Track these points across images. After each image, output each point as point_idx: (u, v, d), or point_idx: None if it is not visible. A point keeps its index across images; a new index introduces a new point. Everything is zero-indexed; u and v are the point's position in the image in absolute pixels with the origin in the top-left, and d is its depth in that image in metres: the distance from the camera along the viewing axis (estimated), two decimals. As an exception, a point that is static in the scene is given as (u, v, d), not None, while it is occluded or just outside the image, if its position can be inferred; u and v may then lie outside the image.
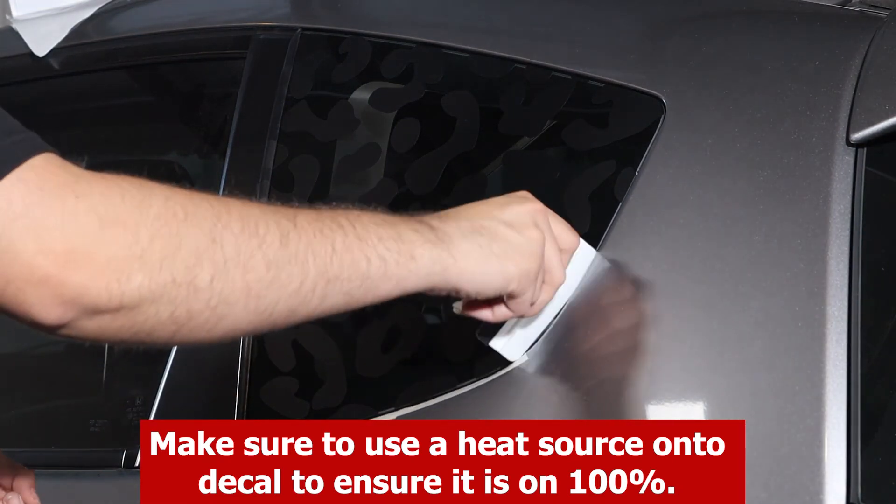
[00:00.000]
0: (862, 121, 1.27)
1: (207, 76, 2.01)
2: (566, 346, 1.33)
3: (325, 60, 1.71)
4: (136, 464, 1.60)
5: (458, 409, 1.39)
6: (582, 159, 1.53)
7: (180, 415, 1.64)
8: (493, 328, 1.29)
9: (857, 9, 1.49)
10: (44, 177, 0.90)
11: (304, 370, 1.56)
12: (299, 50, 1.71)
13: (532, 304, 1.19)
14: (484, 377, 1.38)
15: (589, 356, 1.32)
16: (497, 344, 1.31)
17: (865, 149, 1.28)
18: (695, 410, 1.25)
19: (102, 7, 2.03)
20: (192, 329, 0.94)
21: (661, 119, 1.38)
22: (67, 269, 0.88)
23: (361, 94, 1.69)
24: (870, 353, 1.22)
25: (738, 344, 1.25)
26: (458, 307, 1.23)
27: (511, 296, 1.16)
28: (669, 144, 1.37)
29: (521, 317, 1.25)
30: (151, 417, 1.64)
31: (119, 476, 1.61)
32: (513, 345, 1.31)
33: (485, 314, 1.21)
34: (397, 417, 1.43)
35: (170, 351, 1.64)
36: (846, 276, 1.22)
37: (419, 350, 1.50)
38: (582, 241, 1.28)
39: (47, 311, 0.89)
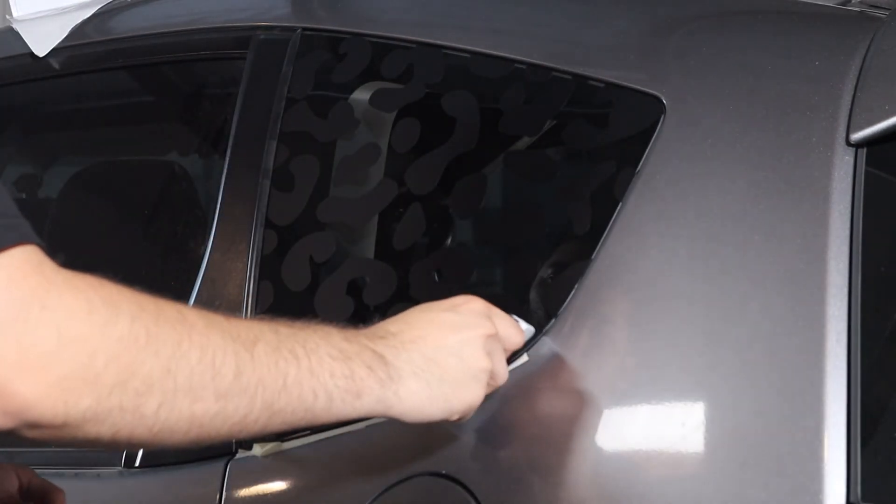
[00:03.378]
0: (862, 121, 1.27)
1: (207, 76, 2.01)
2: (566, 345, 1.33)
3: (325, 60, 1.71)
4: (137, 464, 1.60)
5: (458, 409, 1.39)
6: (582, 159, 1.53)
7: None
8: None
9: (857, 9, 1.49)
10: (15, 277, 0.86)
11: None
12: (299, 50, 1.71)
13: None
14: (484, 377, 1.38)
15: (589, 356, 1.32)
16: None
17: (865, 149, 1.28)
18: (694, 410, 1.25)
19: (102, 7, 2.03)
20: (132, 445, 0.94)
21: (661, 119, 1.38)
22: (16, 381, 0.85)
23: (361, 94, 1.69)
24: (870, 353, 1.22)
25: (738, 344, 1.25)
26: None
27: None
28: (669, 144, 1.36)
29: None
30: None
31: (119, 476, 1.61)
32: None
33: None
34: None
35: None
36: (846, 276, 1.22)
37: (419, 350, 1.50)
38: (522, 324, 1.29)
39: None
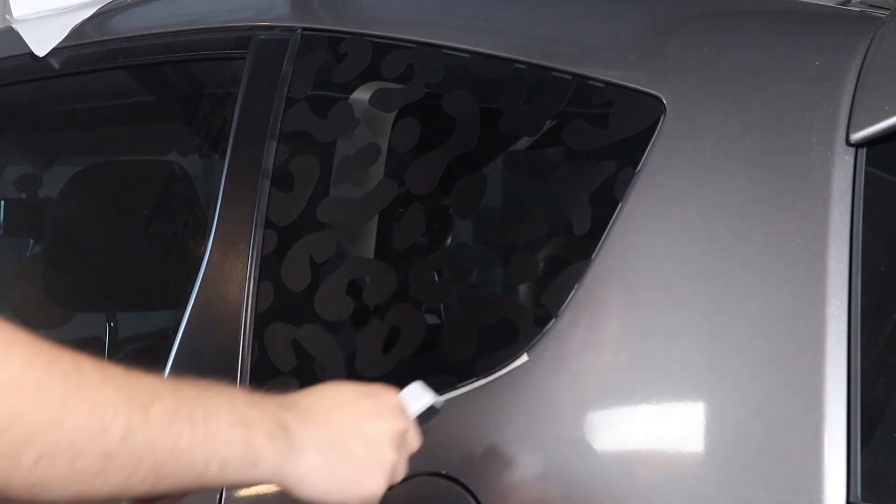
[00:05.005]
0: (862, 121, 1.28)
1: (207, 76, 2.01)
2: (566, 345, 1.33)
3: (325, 60, 1.71)
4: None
5: (458, 409, 1.39)
6: (582, 159, 1.53)
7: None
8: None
9: (857, 9, 1.49)
10: None
11: (304, 370, 1.56)
12: (299, 50, 1.71)
13: None
14: (484, 377, 1.38)
15: (588, 356, 1.32)
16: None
17: (865, 149, 1.28)
18: (694, 410, 1.25)
19: (102, 7, 2.03)
20: (4, 496, 0.90)
21: (661, 119, 1.38)
22: None
23: (361, 94, 1.69)
24: (870, 353, 1.22)
25: (738, 344, 1.25)
26: None
27: None
28: (669, 144, 1.37)
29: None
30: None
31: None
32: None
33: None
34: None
35: (170, 351, 1.64)
36: (846, 276, 1.22)
37: (419, 350, 1.50)
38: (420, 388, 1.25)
39: None
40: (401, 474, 1.15)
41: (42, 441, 0.88)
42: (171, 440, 0.96)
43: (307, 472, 1.06)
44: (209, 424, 0.99)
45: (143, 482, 0.95)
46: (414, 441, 1.17)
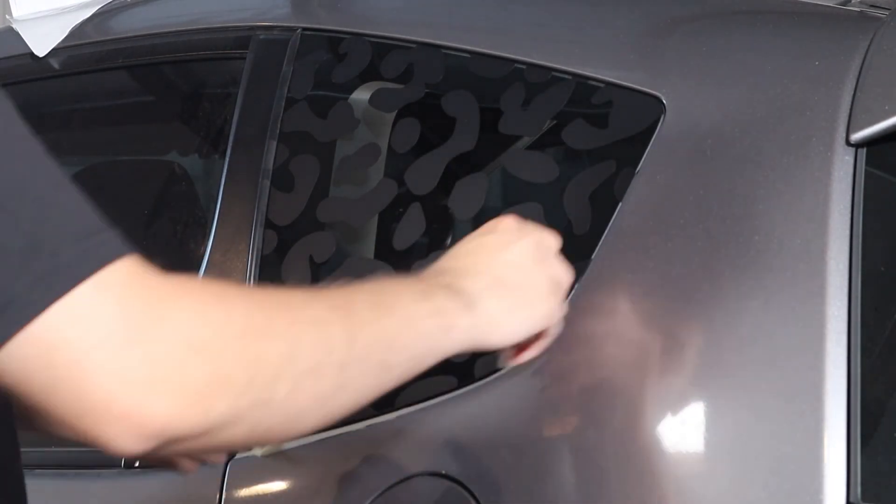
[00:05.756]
0: (862, 121, 1.28)
1: (207, 76, 2.01)
2: (566, 346, 1.33)
3: (325, 60, 1.71)
4: (137, 464, 1.60)
5: (458, 409, 1.39)
6: (582, 159, 1.53)
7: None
8: None
9: (857, 9, 1.49)
10: (126, 295, 0.82)
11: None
12: (299, 50, 1.71)
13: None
14: (484, 377, 1.38)
15: (588, 356, 1.32)
16: None
17: (865, 149, 1.28)
18: (694, 410, 1.25)
19: (102, 7, 2.03)
20: (266, 439, 0.93)
21: (661, 119, 1.38)
22: (152, 401, 0.82)
23: (361, 94, 1.69)
24: (870, 353, 1.22)
25: (738, 344, 1.25)
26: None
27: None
28: (669, 144, 1.37)
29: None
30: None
31: (119, 476, 1.61)
32: None
33: (524, 356, 1.17)
34: (397, 417, 1.43)
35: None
36: (846, 276, 1.22)
37: (419, 350, 1.50)
38: None
39: (127, 444, 0.82)
40: (566, 275, 1.15)
41: (287, 375, 0.89)
42: (384, 332, 0.98)
43: (491, 320, 1.07)
44: (405, 308, 1.01)
45: (376, 383, 0.98)
46: (550, 240, 1.16)
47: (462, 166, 1.54)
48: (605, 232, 1.36)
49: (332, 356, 0.93)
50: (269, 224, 1.62)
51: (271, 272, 1.60)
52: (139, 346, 0.81)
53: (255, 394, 0.87)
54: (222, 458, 1.13)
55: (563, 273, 1.15)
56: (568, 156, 1.57)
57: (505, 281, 1.10)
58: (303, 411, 0.92)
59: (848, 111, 1.29)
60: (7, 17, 2.12)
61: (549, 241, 1.15)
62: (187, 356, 0.83)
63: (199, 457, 1.08)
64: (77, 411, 0.81)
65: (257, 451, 1.50)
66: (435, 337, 1.03)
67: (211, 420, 0.85)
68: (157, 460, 1.02)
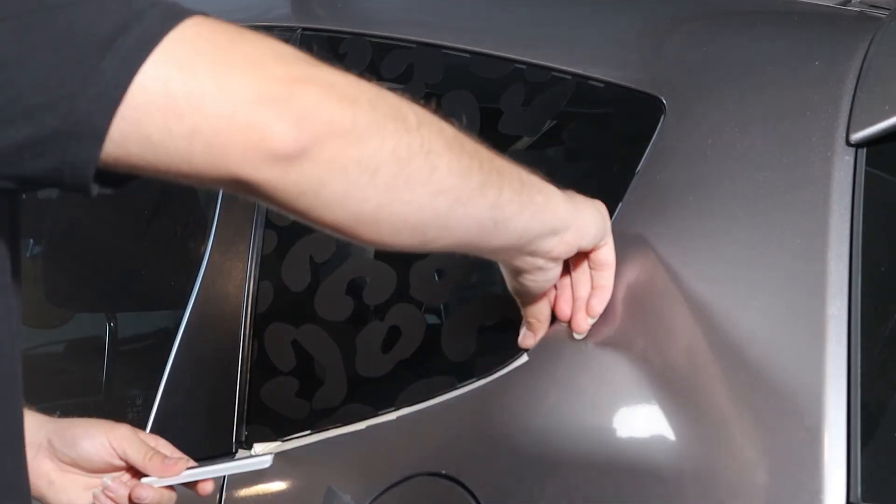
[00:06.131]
0: (862, 121, 1.27)
1: (207, 76, 2.00)
2: (566, 346, 1.33)
3: (325, 60, 1.71)
4: (136, 464, 1.60)
5: (458, 409, 1.39)
6: (582, 159, 1.53)
7: (180, 415, 1.64)
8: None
9: (857, 9, 1.49)
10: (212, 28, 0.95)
11: (304, 370, 1.56)
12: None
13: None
14: (484, 377, 1.38)
15: (588, 356, 1.32)
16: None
17: (865, 149, 1.27)
18: (694, 410, 1.25)
19: (102, 7, 2.03)
20: (406, 185, 0.97)
21: (661, 119, 1.38)
22: (298, 87, 0.90)
23: (361, 94, 1.69)
24: (870, 353, 1.22)
25: (739, 343, 1.24)
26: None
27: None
28: (669, 144, 1.37)
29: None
30: (151, 417, 1.64)
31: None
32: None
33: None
34: (397, 417, 1.43)
35: (170, 351, 1.64)
36: (846, 276, 1.22)
37: (419, 350, 1.50)
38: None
39: (286, 132, 0.88)
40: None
41: (411, 111, 1.01)
42: (512, 206, 1.13)
43: (586, 223, 1.24)
44: (540, 195, 1.17)
45: (471, 235, 1.10)
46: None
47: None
48: (605, 232, 1.35)
49: (468, 183, 1.04)
50: (269, 224, 1.62)
51: (271, 272, 1.60)
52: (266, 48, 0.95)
53: (386, 110, 0.96)
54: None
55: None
56: (568, 156, 1.57)
57: (573, 197, 1.25)
58: (436, 152, 1.00)
59: (848, 111, 1.29)
60: (7, 17, 2.12)
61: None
62: (312, 64, 0.96)
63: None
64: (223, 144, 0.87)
65: (257, 451, 1.50)
66: (547, 228, 1.18)
67: (357, 116, 0.93)
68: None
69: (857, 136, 1.27)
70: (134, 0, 0.87)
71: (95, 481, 1.31)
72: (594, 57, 1.51)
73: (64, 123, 0.83)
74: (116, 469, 1.32)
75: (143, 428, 1.57)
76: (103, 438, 1.31)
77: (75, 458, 1.31)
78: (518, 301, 1.32)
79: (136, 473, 1.31)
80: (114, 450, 1.31)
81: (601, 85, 1.46)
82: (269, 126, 0.88)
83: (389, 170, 0.96)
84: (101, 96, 0.83)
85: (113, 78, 0.83)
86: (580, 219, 1.23)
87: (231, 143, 0.87)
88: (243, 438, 1.54)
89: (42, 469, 1.30)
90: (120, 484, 1.31)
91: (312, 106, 0.91)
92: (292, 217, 0.98)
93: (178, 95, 0.85)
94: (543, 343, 1.34)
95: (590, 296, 1.30)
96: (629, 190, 1.36)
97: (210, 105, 0.86)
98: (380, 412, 1.44)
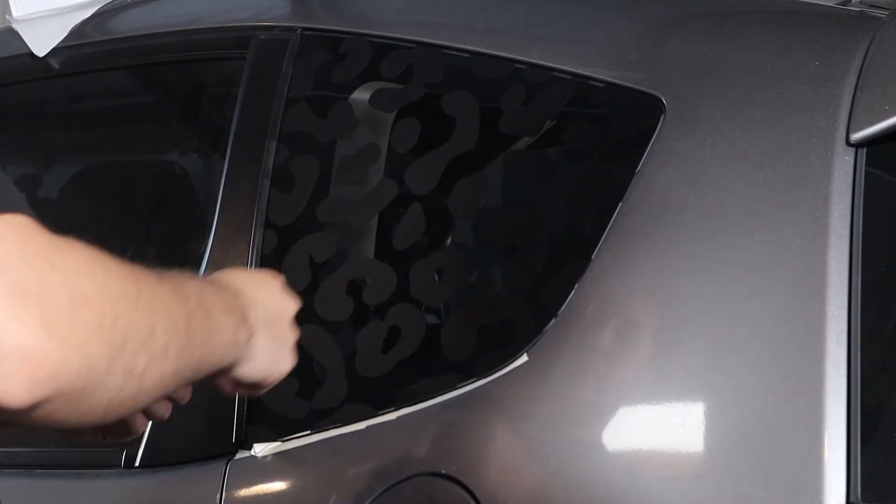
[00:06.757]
0: (862, 121, 1.28)
1: (207, 76, 2.01)
2: (566, 346, 1.33)
3: (325, 60, 1.71)
4: (137, 464, 1.60)
5: (457, 409, 1.39)
6: (582, 159, 1.53)
7: (179, 415, 1.64)
8: None
9: (857, 9, 1.49)
10: (22, 238, 0.86)
11: (304, 370, 1.56)
12: (299, 50, 1.71)
13: None
14: (484, 377, 1.38)
15: (588, 357, 1.32)
16: None
17: (865, 149, 1.28)
18: (694, 410, 1.25)
19: (102, 7, 2.03)
20: (110, 414, 0.91)
21: (661, 119, 1.38)
22: (43, 341, 0.83)
23: (361, 94, 1.69)
24: (870, 353, 1.23)
25: (738, 344, 1.25)
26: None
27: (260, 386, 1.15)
28: (669, 144, 1.37)
29: None
30: (151, 417, 1.64)
31: (119, 476, 1.61)
32: None
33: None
34: (397, 417, 1.43)
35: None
36: (846, 276, 1.22)
37: (419, 350, 1.50)
38: None
39: (18, 389, 0.82)
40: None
41: (146, 349, 0.91)
42: (206, 332, 1.00)
43: (256, 352, 1.09)
44: (217, 317, 1.03)
45: (178, 380, 0.98)
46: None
47: (462, 166, 1.54)
48: (605, 232, 1.36)
49: (176, 338, 0.94)
50: (269, 224, 1.62)
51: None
52: (34, 289, 0.83)
53: (126, 360, 0.88)
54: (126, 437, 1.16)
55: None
56: (568, 156, 1.57)
57: (275, 326, 1.12)
58: (148, 392, 0.92)
59: (848, 111, 1.29)
60: (7, 17, 2.12)
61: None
62: (75, 307, 0.85)
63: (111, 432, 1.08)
64: None
65: (257, 451, 1.50)
66: (226, 349, 1.04)
67: (92, 373, 0.86)
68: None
69: (857, 136, 1.27)
70: None
71: None
72: (594, 57, 1.51)
73: None
74: None
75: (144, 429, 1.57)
76: None
77: None
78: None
79: None
80: None
81: (601, 85, 1.46)
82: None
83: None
84: None
85: None
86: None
87: None
88: (243, 438, 1.54)
89: None
90: None
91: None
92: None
93: None
94: (543, 343, 1.34)
95: None
96: (629, 190, 1.36)
97: None
98: (380, 412, 1.44)
